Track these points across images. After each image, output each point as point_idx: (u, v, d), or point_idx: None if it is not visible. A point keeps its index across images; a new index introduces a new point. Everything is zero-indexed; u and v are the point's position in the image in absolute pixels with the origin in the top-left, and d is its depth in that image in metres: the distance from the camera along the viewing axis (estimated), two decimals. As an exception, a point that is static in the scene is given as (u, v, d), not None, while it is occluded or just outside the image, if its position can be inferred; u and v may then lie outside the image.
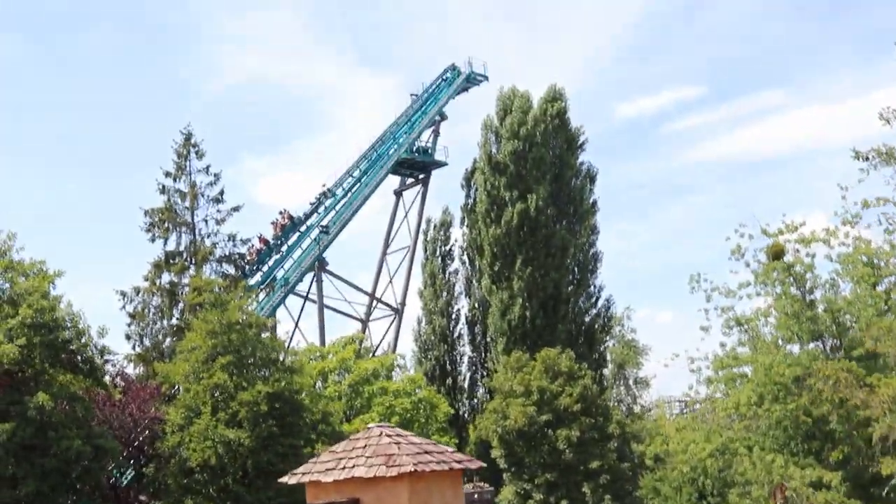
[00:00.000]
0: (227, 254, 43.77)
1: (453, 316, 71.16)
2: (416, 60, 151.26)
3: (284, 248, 58.65)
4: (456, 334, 70.91)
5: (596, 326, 58.66)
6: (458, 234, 72.62)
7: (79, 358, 31.00)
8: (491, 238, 55.28)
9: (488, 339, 69.69)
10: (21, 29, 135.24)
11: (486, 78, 71.28)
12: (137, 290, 43.24)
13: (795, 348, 39.80)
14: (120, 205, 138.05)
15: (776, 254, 38.51)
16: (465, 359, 70.54)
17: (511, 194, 55.11)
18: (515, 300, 54.03)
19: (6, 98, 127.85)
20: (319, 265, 59.10)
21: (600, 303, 60.50)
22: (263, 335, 36.88)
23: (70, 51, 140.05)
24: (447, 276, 72.11)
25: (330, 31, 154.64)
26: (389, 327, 64.31)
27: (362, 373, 46.18)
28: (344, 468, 13.04)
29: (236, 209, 44.42)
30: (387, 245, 68.65)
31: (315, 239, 59.48)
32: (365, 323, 64.28)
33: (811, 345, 36.94)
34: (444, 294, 71.34)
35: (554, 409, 41.72)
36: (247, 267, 46.20)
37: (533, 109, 57.28)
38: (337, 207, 61.84)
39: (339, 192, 62.01)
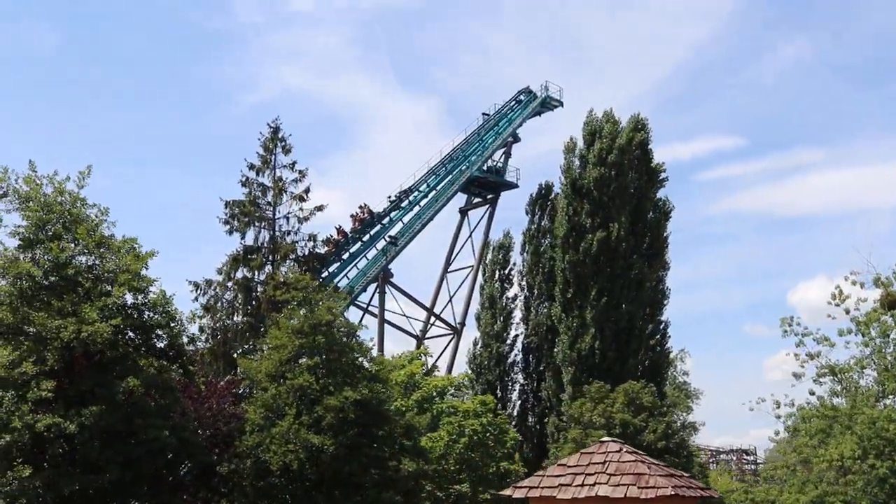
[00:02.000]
0: (307, 253, 42.23)
1: (508, 341, 69.54)
2: (454, 87, 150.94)
3: (355, 247, 57.13)
4: (510, 360, 69.24)
5: (662, 363, 56.63)
6: (517, 259, 71.46)
7: (167, 344, 29.36)
8: (567, 264, 53.48)
9: (542, 368, 67.96)
10: (66, 26, 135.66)
11: (561, 103, 70.24)
12: (210, 283, 41.82)
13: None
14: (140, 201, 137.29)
15: (891, 304, 36.59)
16: (517, 386, 68.80)
17: (592, 221, 53.35)
18: (587, 329, 52.17)
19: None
20: (384, 277, 57.57)
21: (667, 340, 58.49)
22: (359, 339, 35.26)
23: (109, 48, 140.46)
24: (504, 300, 70.51)
25: (371, 51, 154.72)
26: (447, 347, 62.57)
27: (430, 389, 44.33)
28: (583, 485, 11.38)
29: (320, 208, 43.06)
30: (448, 263, 67.25)
31: (382, 249, 58.02)
32: (420, 340, 62.58)
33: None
34: (500, 319, 69.73)
35: (636, 444, 39.68)
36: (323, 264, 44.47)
37: (619, 138, 55.58)
38: (405, 219, 60.46)
39: (420, 191, 60.54)
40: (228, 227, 42.08)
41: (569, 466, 11.80)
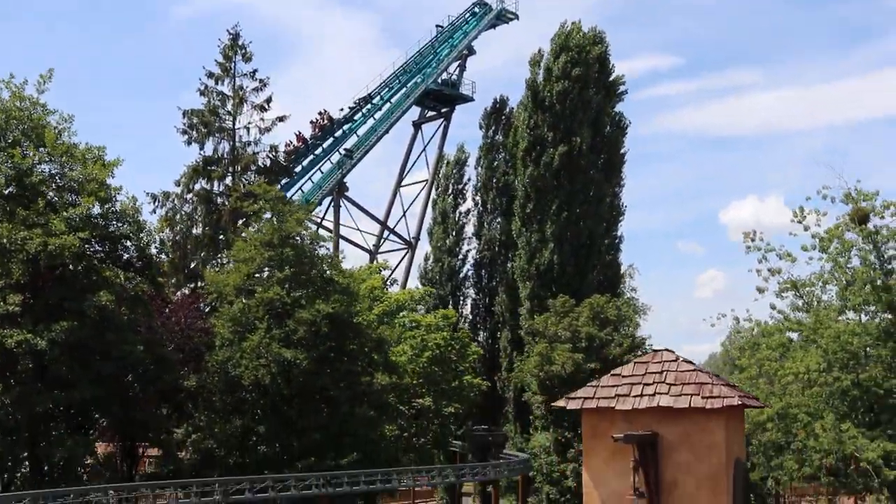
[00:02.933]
0: (269, 164, 41.00)
1: (460, 256, 69.32)
2: (393, 3, 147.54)
3: (313, 155, 55.90)
4: (461, 275, 69.11)
5: (617, 278, 56.78)
6: (472, 174, 70.82)
7: (135, 255, 28.25)
8: (527, 178, 52.90)
9: (494, 283, 68.01)
10: None
11: (517, 16, 68.80)
12: (167, 195, 40.35)
13: (858, 317, 38.43)
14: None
15: (861, 219, 36.83)
16: (469, 301, 68.85)
17: (554, 135, 52.68)
18: (546, 244, 51.89)
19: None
20: (339, 190, 56.48)
21: (620, 256, 58.61)
22: (320, 252, 34.42)
23: None
24: (457, 215, 70.07)
25: None
26: (401, 261, 61.96)
27: (392, 303, 43.82)
28: (642, 395, 10.98)
29: (282, 119, 41.67)
30: (401, 177, 66.12)
31: (338, 162, 56.79)
32: (374, 255, 61.87)
33: (882, 315, 35.64)
34: (453, 234, 69.37)
35: (602, 357, 39.92)
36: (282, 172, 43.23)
37: (584, 51, 54.59)
38: (360, 132, 59.16)
39: (373, 104, 59.25)
40: (187, 137, 40.53)
41: (623, 377, 11.39)
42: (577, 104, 53.92)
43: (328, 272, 33.71)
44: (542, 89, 53.79)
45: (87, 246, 26.64)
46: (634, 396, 11.05)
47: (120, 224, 27.72)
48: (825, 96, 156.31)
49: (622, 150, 58.69)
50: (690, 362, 11.43)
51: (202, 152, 40.64)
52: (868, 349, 35.15)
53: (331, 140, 57.43)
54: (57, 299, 26.00)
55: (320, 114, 57.32)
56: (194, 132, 40.61)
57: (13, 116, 27.18)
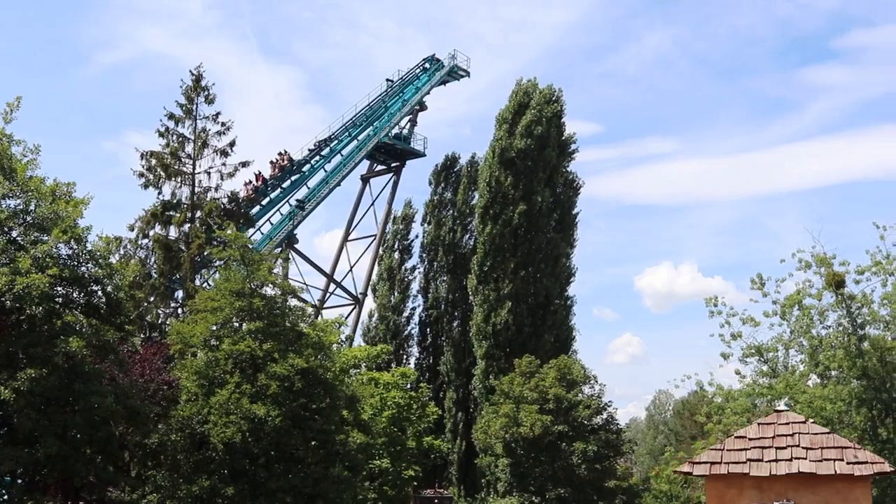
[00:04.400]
0: (228, 210, 39.43)
1: (405, 314, 68.05)
2: (319, 60, 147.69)
3: (275, 193, 54.39)
4: (405, 333, 67.75)
5: (569, 339, 56.22)
6: (418, 230, 70.00)
7: (104, 301, 26.33)
8: (487, 236, 52.21)
9: (440, 342, 66.83)
10: None
11: (468, 73, 68.68)
12: (119, 241, 38.28)
13: (829, 382, 38.31)
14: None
15: (837, 283, 36.83)
16: (412, 360, 67.39)
17: (514, 193, 52.23)
18: (504, 303, 51.10)
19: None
20: (289, 242, 54.90)
21: (572, 317, 58.11)
22: (291, 303, 32.85)
23: None
24: (403, 271, 68.95)
25: (234, 18, 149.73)
26: (348, 317, 60.33)
27: (349, 360, 42.31)
28: (777, 460, 9.98)
29: (245, 164, 40.17)
30: (348, 232, 64.90)
31: (289, 214, 55.29)
32: (319, 310, 60.15)
33: (856, 381, 35.59)
34: (398, 291, 68.16)
35: (572, 419, 38.98)
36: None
37: (544, 109, 54.59)
38: (310, 184, 57.85)
39: (322, 155, 58.07)
40: (144, 179, 38.74)
41: (750, 439, 10.42)
42: (538, 163, 53.78)
43: (299, 325, 32.17)
44: (507, 147, 53.42)
45: (55, 288, 24.69)
46: (768, 461, 10.07)
47: (90, 266, 25.80)
48: (739, 167, 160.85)
49: (574, 211, 58.65)
50: (819, 425, 10.51)
51: (160, 196, 38.93)
52: (842, 415, 34.98)
53: (289, 181, 55.98)
54: (20, 345, 23.95)
55: (280, 154, 55.99)
56: (152, 175, 38.88)
57: (-24, 147, 25.31)
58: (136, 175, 38.67)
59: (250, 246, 32.50)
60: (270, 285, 31.79)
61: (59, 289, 25.66)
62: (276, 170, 54.86)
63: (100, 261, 25.82)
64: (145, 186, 38.84)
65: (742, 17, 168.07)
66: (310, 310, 35.55)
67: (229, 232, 32.06)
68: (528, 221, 52.33)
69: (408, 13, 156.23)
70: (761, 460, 10.14)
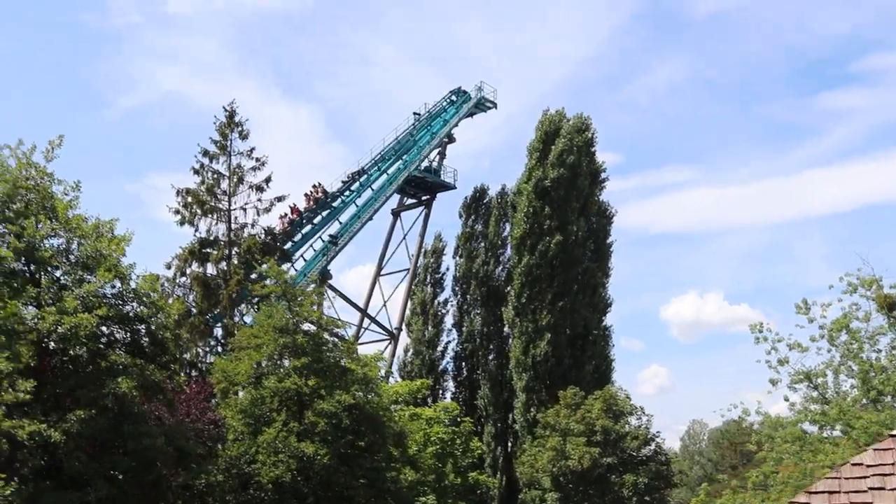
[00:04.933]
0: (266, 243, 38.97)
1: (439, 348, 67.26)
2: (336, 96, 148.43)
3: (307, 228, 54.02)
4: (440, 368, 66.93)
5: (608, 370, 55.23)
6: (449, 263, 69.42)
7: (149, 340, 25.77)
8: (524, 267, 51.51)
9: (476, 376, 65.99)
10: None
11: (495, 105, 68.28)
12: (157, 280, 37.81)
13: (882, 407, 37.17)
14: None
15: (890, 305, 35.83)
16: (448, 395, 66.44)
17: (550, 224, 51.58)
18: (542, 335, 50.27)
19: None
20: (323, 278, 54.31)
21: (611, 347, 57.14)
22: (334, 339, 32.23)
23: None
24: (436, 305, 68.26)
25: (251, 56, 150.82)
26: (383, 352, 59.53)
27: (391, 395, 41.51)
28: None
29: (281, 199, 39.78)
30: (380, 267, 64.29)
31: (321, 249, 54.82)
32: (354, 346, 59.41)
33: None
34: (431, 325, 67.44)
35: (620, 450, 38.01)
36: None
37: (574, 138, 54.09)
38: (341, 218, 57.42)
39: (352, 190, 57.65)
40: (179, 217, 38.39)
41: (868, 466, 9.64)
42: (570, 192, 53.20)
43: (344, 360, 31.52)
44: (541, 178, 52.84)
45: (102, 328, 24.20)
46: (891, 490, 9.29)
47: (136, 305, 25.29)
48: (760, 194, 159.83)
49: (609, 240, 57.89)
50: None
51: (196, 233, 38.54)
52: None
53: (321, 217, 55.66)
54: (67, 387, 23.42)
55: (314, 186, 55.73)
56: (188, 212, 38.52)
57: (20, 186, 24.93)
58: (171, 212, 38.41)
59: (290, 281, 31.91)
60: (313, 321, 31.18)
61: (103, 328, 25.19)
62: (311, 202, 54.60)
63: (144, 299, 25.27)
64: (181, 223, 38.49)
65: (751, 45, 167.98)
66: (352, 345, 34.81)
67: (265, 267, 31.57)
68: (564, 252, 51.62)
69: (421, 49, 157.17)
70: (884, 488, 9.37)
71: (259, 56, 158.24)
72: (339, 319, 35.75)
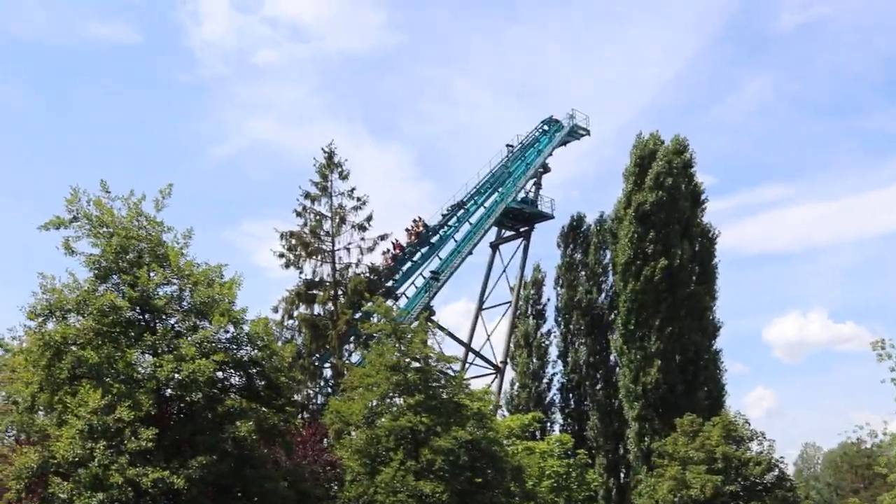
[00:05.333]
0: (371, 280, 38.98)
1: (545, 381, 66.44)
2: (423, 134, 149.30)
3: (406, 266, 54.13)
4: (546, 400, 66.01)
5: (721, 395, 53.50)
6: (550, 293, 68.73)
7: (264, 384, 25.74)
8: (630, 293, 50.49)
9: (584, 407, 64.92)
10: (27, 79, 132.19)
11: (588, 132, 67.54)
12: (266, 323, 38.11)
13: None
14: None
15: None
16: (557, 427, 65.46)
17: (654, 248, 50.52)
18: (652, 362, 49.06)
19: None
20: (427, 315, 54.09)
21: (723, 372, 55.37)
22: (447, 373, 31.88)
23: (73, 102, 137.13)
24: (538, 336, 67.53)
25: (339, 100, 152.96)
26: (490, 386, 58.93)
27: (503, 430, 40.87)
28: None
29: (384, 237, 39.85)
30: (482, 301, 63.83)
31: (424, 286, 54.70)
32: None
33: None
34: (535, 357, 66.70)
35: (743, 478, 36.61)
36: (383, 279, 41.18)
37: (672, 159, 53.10)
38: (441, 254, 57.26)
39: (450, 225, 57.55)
40: (284, 260, 38.76)
41: None
42: (671, 215, 52.11)
43: (457, 396, 31.11)
44: (642, 202, 51.91)
45: (218, 373, 24.29)
46: None
47: (250, 349, 25.32)
48: (859, 208, 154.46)
49: (714, 261, 56.31)
50: None
51: (301, 275, 38.80)
52: None
53: (420, 253, 55.65)
54: (187, 433, 23.51)
55: (415, 221, 55.89)
56: (292, 255, 38.80)
57: (132, 235, 25.31)
58: (275, 256, 38.77)
59: (398, 318, 31.73)
60: (424, 357, 30.89)
61: (219, 374, 25.28)
62: (413, 237, 54.69)
63: (258, 343, 25.29)
64: (286, 266, 38.87)
65: (841, 55, 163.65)
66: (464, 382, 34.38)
67: (372, 305, 31.46)
68: (670, 276, 50.44)
69: (503, 82, 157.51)
70: None
71: (346, 99, 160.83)
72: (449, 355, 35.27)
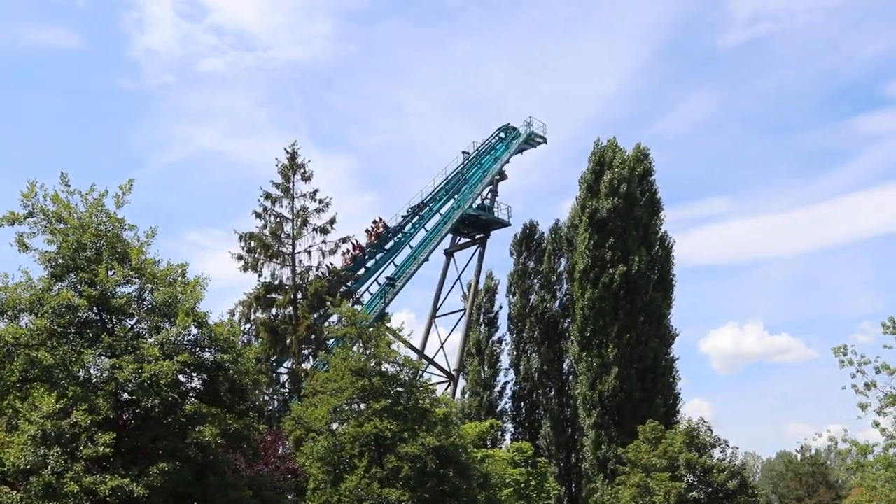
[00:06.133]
0: (332, 280, 38.08)
1: (497, 389, 65.95)
2: (368, 146, 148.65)
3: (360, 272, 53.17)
4: (498, 409, 65.51)
5: (676, 402, 53.42)
6: (503, 301, 68.37)
7: (228, 387, 24.69)
8: (587, 301, 50.18)
9: (536, 416, 64.54)
10: None
11: (545, 140, 67.37)
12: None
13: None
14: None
15: None
16: (507, 437, 64.96)
17: (613, 255, 50.31)
18: (610, 369, 48.78)
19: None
20: (382, 322, 53.17)
21: (677, 380, 55.32)
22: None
23: (13, 108, 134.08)
24: (490, 344, 67.06)
25: (285, 111, 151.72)
26: (443, 394, 58.19)
27: (469, 437, 40.13)
28: None
29: (345, 240, 38.98)
30: (435, 308, 63.04)
31: (379, 293, 53.83)
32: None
33: None
34: (487, 366, 66.19)
35: (708, 485, 36.41)
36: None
37: (629, 167, 53.06)
38: (396, 261, 56.51)
39: (405, 231, 56.85)
40: (242, 262, 37.63)
41: None
42: (628, 221, 51.99)
43: (423, 401, 30.32)
44: (597, 209, 51.71)
45: (180, 376, 23.22)
46: None
47: (214, 351, 24.25)
48: (797, 222, 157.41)
49: (670, 270, 56.32)
50: None
51: (261, 279, 37.73)
52: None
53: (373, 262, 54.87)
54: (149, 438, 22.40)
55: (375, 222, 55.09)
56: (251, 257, 37.72)
57: (91, 232, 24.13)
58: (234, 258, 37.61)
59: (365, 322, 30.90)
60: (389, 361, 30.10)
61: (181, 377, 24.22)
62: (373, 237, 53.93)
63: (223, 345, 24.26)
64: (244, 269, 37.77)
65: (784, 73, 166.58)
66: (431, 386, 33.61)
67: (341, 308, 30.58)
68: (628, 283, 50.27)
69: (448, 95, 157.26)
70: None
71: (292, 110, 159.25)
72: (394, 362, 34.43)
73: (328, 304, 34.25)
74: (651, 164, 55.77)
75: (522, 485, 39.08)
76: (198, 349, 23.83)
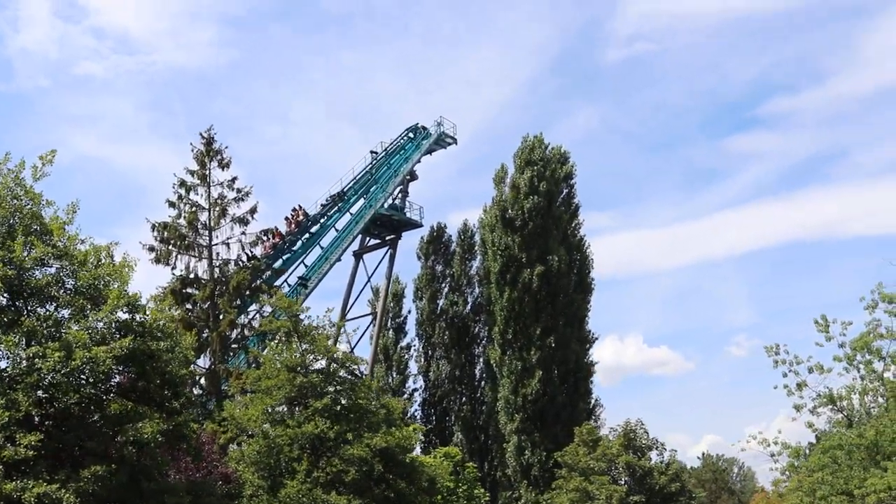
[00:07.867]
0: (253, 280, 35.55)
1: (405, 396, 63.82)
2: (253, 154, 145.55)
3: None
4: (407, 416, 63.35)
5: (597, 406, 52.56)
6: (410, 306, 66.53)
7: (161, 380, 21.99)
8: (505, 302, 48.71)
9: (447, 423, 62.81)
10: None
11: (455, 141, 65.80)
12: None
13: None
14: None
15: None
16: (417, 446, 62.78)
17: (529, 255, 49.01)
18: (533, 372, 47.42)
19: None
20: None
21: (595, 385, 54.59)
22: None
23: None
24: (398, 350, 65.04)
25: (167, 118, 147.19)
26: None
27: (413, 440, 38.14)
28: None
29: (267, 232, 36.41)
30: (344, 312, 60.58)
31: (291, 293, 51.09)
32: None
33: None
34: (395, 372, 64.14)
35: (648, 487, 35.30)
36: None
37: (551, 167, 51.99)
38: (307, 261, 53.96)
39: (321, 223, 54.55)
40: (155, 254, 34.64)
41: None
42: (548, 221, 50.84)
43: (365, 400, 28.20)
44: (512, 207, 50.44)
45: (112, 367, 20.44)
46: None
47: (149, 340, 21.49)
48: (677, 237, 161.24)
49: (589, 273, 55.49)
50: None
51: (175, 272, 34.86)
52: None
53: (282, 260, 52.12)
54: (77, 438, 19.65)
55: (295, 210, 52.47)
56: (164, 248, 34.83)
57: (4, 207, 21.24)
58: (145, 249, 34.61)
59: (302, 316, 28.59)
60: (328, 357, 27.91)
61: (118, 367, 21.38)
62: (294, 225, 51.44)
63: (158, 333, 21.66)
64: (156, 261, 34.77)
65: (665, 91, 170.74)
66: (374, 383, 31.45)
67: (272, 298, 28.24)
68: (548, 283, 49.05)
69: (336, 104, 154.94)
70: None
71: (174, 115, 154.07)
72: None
73: (259, 296, 31.79)
74: (573, 167, 54.86)
75: (452, 491, 37.21)
76: (130, 336, 20.99)
